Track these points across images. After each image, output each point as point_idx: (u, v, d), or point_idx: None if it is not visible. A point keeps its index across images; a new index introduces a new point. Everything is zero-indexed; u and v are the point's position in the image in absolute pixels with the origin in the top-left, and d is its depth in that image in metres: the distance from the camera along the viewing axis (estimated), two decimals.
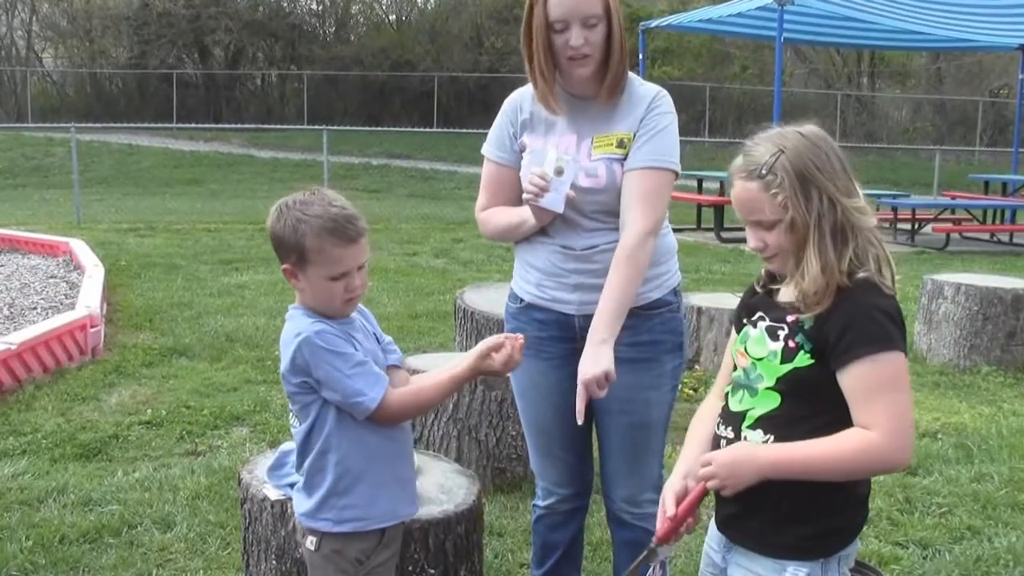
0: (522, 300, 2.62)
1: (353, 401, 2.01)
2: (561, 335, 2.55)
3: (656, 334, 2.53)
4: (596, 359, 2.31)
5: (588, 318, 2.43)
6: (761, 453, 1.81)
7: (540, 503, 2.80)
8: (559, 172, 2.36)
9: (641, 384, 2.52)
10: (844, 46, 22.91)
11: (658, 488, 2.64)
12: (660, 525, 1.93)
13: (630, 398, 2.52)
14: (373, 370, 2.04)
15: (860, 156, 25.05)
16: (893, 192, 15.52)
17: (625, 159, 2.45)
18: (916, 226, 12.91)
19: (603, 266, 2.44)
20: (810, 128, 1.85)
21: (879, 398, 1.74)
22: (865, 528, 3.69)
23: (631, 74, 2.51)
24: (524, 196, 2.44)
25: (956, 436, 4.74)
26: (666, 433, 2.67)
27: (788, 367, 1.81)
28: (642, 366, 2.51)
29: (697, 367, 5.85)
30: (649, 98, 2.48)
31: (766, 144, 1.82)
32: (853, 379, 1.76)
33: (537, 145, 2.53)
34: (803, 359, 1.80)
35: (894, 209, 13.06)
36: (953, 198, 14.79)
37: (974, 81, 28.22)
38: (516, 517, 3.75)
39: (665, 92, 2.52)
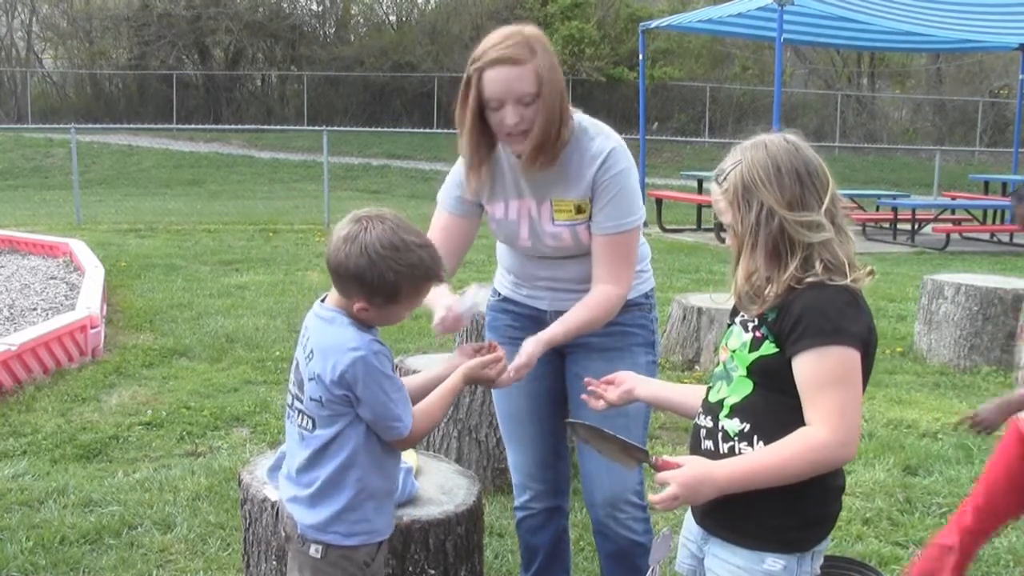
0: (500, 294, 2.79)
1: (390, 424, 2.02)
2: (534, 327, 2.62)
3: (626, 326, 2.61)
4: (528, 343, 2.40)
5: (559, 313, 2.55)
6: (717, 470, 1.83)
7: (517, 502, 2.86)
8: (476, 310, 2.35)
9: (614, 372, 2.53)
10: (844, 47, 22.89)
11: (640, 494, 2.67)
12: None
13: None
14: (407, 395, 2.07)
15: (860, 156, 25.09)
16: (893, 192, 15.55)
17: (588, 222, 2.49)
18: (916, 226, 12.91)
19: (573, 274, 2.56)
20: (779, 137, 1.88)
21: (823, 393, 1.78)
22: (865, 528, 3.72)
23: (583, 126, 2.47)
24: (434, 325, 2.41)
25: (956, 436, 4.73)
26: (645, 432, 2.67)
27: (755, 355, 1.88)
28: (615, 355, 2.58)
29: (697, 367, 5.85)
30: (600, 158, 2.45)
31: (738, 152, 1.90)
32: (800, 371, 1.81)
33: (491, 209, 2.58)
34: (768, 347, 1.86)
35: (894, 209, 13.07)
36: (953, 198, 14.80)
37: (974, 81, 28.22)
38: None
39: (616, 146, 2.46)
